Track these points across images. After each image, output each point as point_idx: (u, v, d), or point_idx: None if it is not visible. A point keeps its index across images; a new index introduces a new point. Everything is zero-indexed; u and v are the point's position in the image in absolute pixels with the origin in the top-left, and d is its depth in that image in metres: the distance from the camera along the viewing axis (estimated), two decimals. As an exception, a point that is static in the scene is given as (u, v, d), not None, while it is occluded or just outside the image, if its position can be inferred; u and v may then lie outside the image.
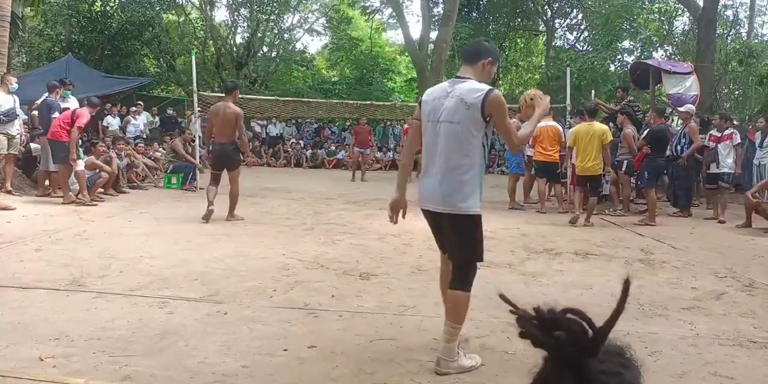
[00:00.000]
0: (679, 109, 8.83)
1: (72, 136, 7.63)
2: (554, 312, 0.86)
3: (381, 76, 26.35)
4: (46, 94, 8.66)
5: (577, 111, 9.35)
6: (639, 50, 20.66)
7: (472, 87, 2.68)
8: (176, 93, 23.00)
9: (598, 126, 7.60)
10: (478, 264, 2.83)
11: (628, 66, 15.58)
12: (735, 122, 10.84)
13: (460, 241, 2.76)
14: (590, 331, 0.82)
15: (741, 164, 7.99)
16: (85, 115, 7.88)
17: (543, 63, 24.55)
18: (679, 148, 8.45)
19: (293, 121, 20.19)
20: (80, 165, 8.00)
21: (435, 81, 19.93)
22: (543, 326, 0.84)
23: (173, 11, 23.33)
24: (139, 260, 4.67)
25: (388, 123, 19.94)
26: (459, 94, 2.68)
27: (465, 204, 2.68)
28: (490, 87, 2.70)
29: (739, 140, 7.93)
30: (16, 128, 8.08)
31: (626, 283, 0.87)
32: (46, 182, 8.46)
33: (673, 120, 12.38)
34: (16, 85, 8.01)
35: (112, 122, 12.93)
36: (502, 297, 0.91)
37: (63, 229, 5.90)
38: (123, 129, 13.11)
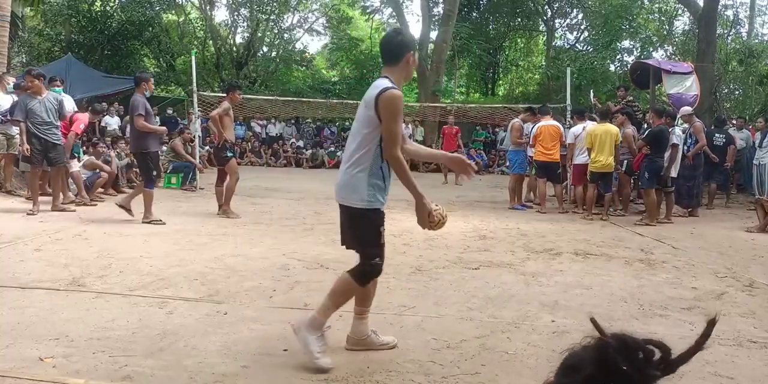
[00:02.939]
0: (680, 112, 8.85)
1: (68, 142, 7.62)
2: (638, 342, 0.90)
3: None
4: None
5: (578, 110, 9.33)
6: (639, 50, 20.68)
7: (374, 84, 2.76)
8: (176, 93, 23.00)
9: (612, 127, 8.02)
10: (378, 262, 2.77)
11: (628, 66, 15.60)
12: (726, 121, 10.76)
13: (351, 233, 2.84)
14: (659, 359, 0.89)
15: (672, 165, 7.69)
16: (82, 120, 7.86)
17: (543, 63, 24.55)
18: (685, 148, 8.45)
19: (293, 121, 20.19)
20: (75, 165, 8.00)
21: (435, 81, 19.97)
22: (623, 352, 0.88)
23: (173, 11, 23.32)
24: (139, 260, 4.67)
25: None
26: (366, 93, 2.78)
27: (351, 197, 2.73)
28: (390, 86, 2.70)
29: (675, 140, 7.72)
30: (16, 128, 8.06)
31: (711, 323, 0.91)
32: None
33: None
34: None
35: (111, 122, 12.93)
36: (593, 321, 0.94)
37: (63, 229, 5.90)
38: (123, 129, 13.11)
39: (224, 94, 7.78)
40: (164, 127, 6.96)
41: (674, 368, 0.89)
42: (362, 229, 2.79)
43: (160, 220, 6.44)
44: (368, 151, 2.71)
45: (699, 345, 0.91)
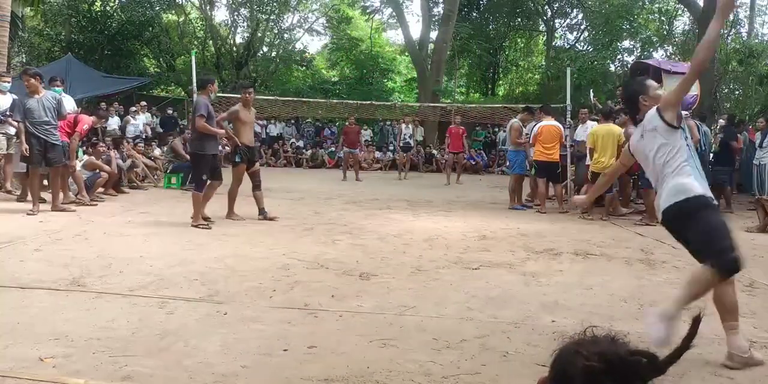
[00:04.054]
0: None
1: (72, 144, 7.62)
2: (624, 359, 0.92)
3: (381, 76, 26.33)
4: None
5: (606, 111, 9.05)
6: (639, 50, 20.69)
7: (647, 117, 3.12)
8: (176, 93, 23.00)
9: (615, 127, 7.93)
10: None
11: (628, 66, 15.61)
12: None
13: (696, 230, 2.91)
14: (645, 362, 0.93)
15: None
16: (86, 121, 7.84)
17: (543, 63, 24.56)
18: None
19: (293, 121, 20.20)
20: (77, 164, 7.98)
21: (435, 81, 19.97)
22: (611, 374, 0.90)
23: (173, 11, 23.33)
24: (139, 260, 4.67)
25: (387, 123, 19.95)
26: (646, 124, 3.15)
27: (683, 195, 2.88)
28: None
29: None
30: (12, 128, 8.06)
31: (696, 321, 0.91)
32: (45, 182, 8.45)
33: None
34: (7, 85, 7.99)
35: (111, 122, 12.93)
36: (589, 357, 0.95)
37: (63, 229, 5.89)
38: (123, 129, 13.11)
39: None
40: (222, 130, 6.78)
41: (663, 370, 0.89)
42: (705, 220, 2.78)
43: (207, 226, 6.30)
44: (678, 158, 2.91)
45: (686, 344, 0.91)
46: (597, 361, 0.89)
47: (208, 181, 6.54)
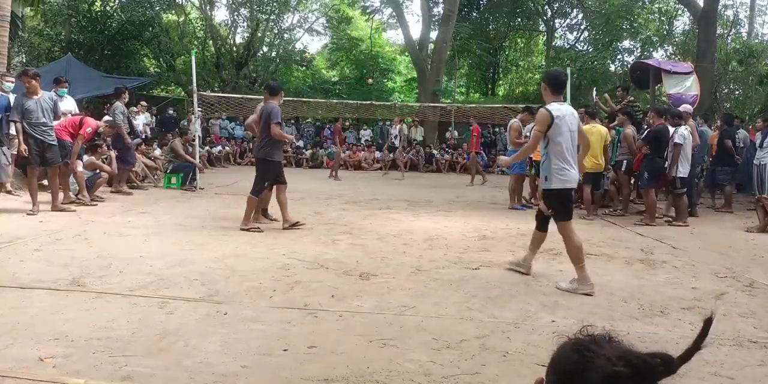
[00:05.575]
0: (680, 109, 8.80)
1: (76, 146, 7.61)
2: (646, 361, 0.92)
3: (381, 76, 26.31)
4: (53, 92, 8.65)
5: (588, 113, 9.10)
6: (639, 50, 20.68)
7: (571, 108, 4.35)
8: (176, 93, 23.00)
9: (601, 127, 8.09)
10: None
11: (628, 66, 15.61)
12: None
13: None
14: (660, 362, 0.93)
15: (674, 165, 7.62)
16: (91, 124, 7.83)
17: (543, 63, 24.55)
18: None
19: (293, 121, 20.21)
20: (78, 166, 7.98)
21: (435, 81, 19.97)
22: (637, 378, 0.91)
23: (173, 11, 23.32)
24: (139, 260, 4.67)
25: (387, 123, 19.95)
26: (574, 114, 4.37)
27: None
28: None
29: (678, 140, 7.55)
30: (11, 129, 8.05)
31: (708, 322, 0.92)
32: (44, 182, 8.45)
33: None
34: (10, 85, 8.00)
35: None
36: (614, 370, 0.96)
37: (63, 229, 5.89)
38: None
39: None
40: (291, 136, 6.69)
41: (675, 370, 0.89)
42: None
43: (258, 228, 6.31)
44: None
45: (697, 344, 0.91)
46: (623, 365, 0.89)
47: (267, 186, 6.66)
